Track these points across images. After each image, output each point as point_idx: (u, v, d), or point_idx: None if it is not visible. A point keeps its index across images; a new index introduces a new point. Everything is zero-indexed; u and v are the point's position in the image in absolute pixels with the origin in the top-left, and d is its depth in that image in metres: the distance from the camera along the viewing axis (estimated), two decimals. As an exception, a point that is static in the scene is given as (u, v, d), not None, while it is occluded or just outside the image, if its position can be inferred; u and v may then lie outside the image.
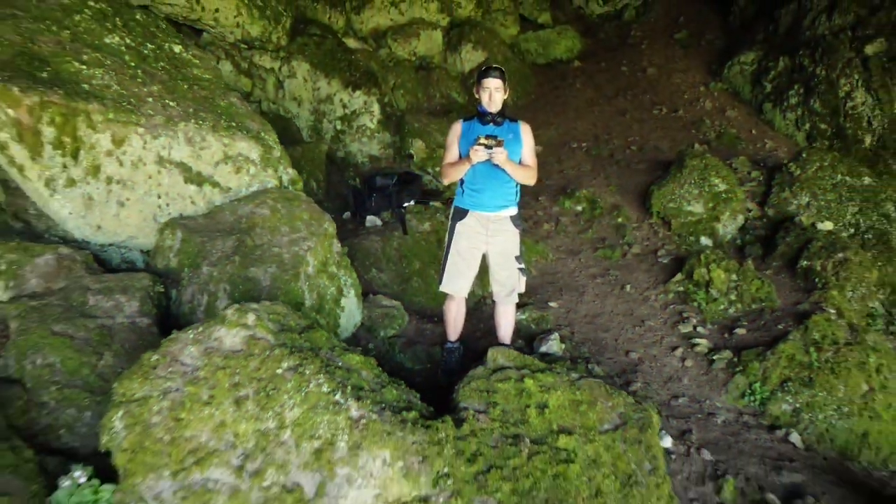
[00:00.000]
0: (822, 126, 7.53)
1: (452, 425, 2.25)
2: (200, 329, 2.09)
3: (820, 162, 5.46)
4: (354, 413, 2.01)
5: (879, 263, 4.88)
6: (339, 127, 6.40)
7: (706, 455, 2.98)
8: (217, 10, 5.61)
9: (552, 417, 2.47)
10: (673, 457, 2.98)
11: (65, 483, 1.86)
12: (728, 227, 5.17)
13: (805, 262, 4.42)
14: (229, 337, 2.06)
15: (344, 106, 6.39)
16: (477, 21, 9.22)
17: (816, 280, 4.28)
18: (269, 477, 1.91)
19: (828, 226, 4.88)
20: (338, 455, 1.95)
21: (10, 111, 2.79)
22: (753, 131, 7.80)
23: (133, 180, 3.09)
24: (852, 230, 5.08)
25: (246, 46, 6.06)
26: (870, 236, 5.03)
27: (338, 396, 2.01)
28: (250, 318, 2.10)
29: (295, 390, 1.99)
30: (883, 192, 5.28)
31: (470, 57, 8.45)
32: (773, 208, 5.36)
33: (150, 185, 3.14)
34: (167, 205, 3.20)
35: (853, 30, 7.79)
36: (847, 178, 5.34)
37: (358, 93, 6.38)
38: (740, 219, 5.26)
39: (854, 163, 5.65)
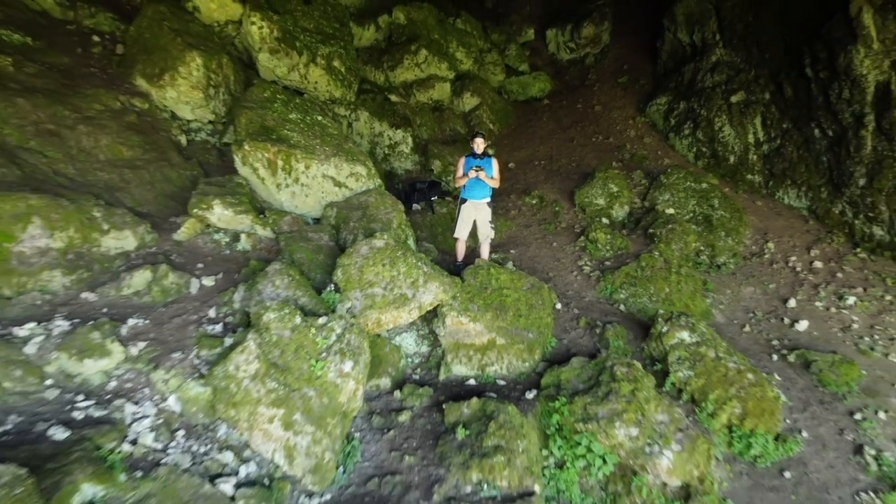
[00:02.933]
0: (704, 150, 10.61)
1: (460, 281, 5.36)
2: (366, 240, 5.20)
3: (678, 174, 8.56)
4: (426, 269, 5.12)
5: (704, 233, 7.98)
6: (386, 152, 9.52)
7: (576, 311, 6.07)
8: (316, 82, 8.74)
9: (501, 283, 5.57)
10: (560, 311, 6.09)
11: (326, 290, 4.97)
12: (619, 212, 8.27)
13: (651, 230, 7.52)
14: (378, 242, 5.17)
15: (389, 138, 9.50)
16: (474, 74, 12.31)
17: (655, 239, 7.38)
18: (395, 290, 5.02)
19: (671, 210, 7.98)
20: (419, 283, 5.05)
21: (265, 154, 5.91)
22: (659, 152, 10.87)
23: (311, 185, 6.22)
24: (690, 214, 8.18)
25: (330, 102, 9.19)
26: (700, 217, 8.12)
27: (419, 263, 5.12)
28: (386, 237, 5.22)
29: (403, 260, 5.10)
30: (713, 192, 8.36)
31: (469, 101, 11.54)
32: (647, 202, 8.47)
33: (318, 187, 6.26)
34: (325, 196, 6.33)
35: (725, 84, 10.87)
36: (693, 184, 8.42)
37: (398, 130, 9.50)
38: (627, 208, 8.37)
39: (700, 174, 8.73)
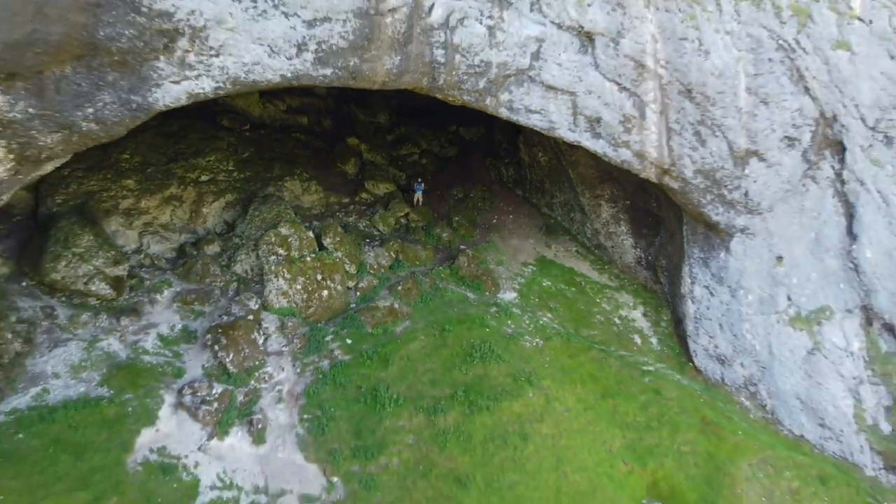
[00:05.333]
0: (496, 175, 26.39)
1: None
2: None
3: (481, 185, 23.89)
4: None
5: (483, 199, 23.33)
6: (396, 177, 24.85)
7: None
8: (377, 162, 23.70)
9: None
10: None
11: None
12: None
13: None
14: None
15: (398, 174, 24.89)
16: (428, 149, 28.71)
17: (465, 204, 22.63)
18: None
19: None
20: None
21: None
22: (485, 177, 26.61)
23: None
24: (480, 194, 23.60)
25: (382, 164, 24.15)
26: (485, 196, 23.48)
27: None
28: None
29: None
30: (492, 190, 23.95)
31: (424, 160, 27.72)
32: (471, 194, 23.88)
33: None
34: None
35: (503, 153, 26.09)
36: (485, 188, 23.85)
37: (401, 171, 24.82)
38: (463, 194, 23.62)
39: (491, 184, 24.63)
